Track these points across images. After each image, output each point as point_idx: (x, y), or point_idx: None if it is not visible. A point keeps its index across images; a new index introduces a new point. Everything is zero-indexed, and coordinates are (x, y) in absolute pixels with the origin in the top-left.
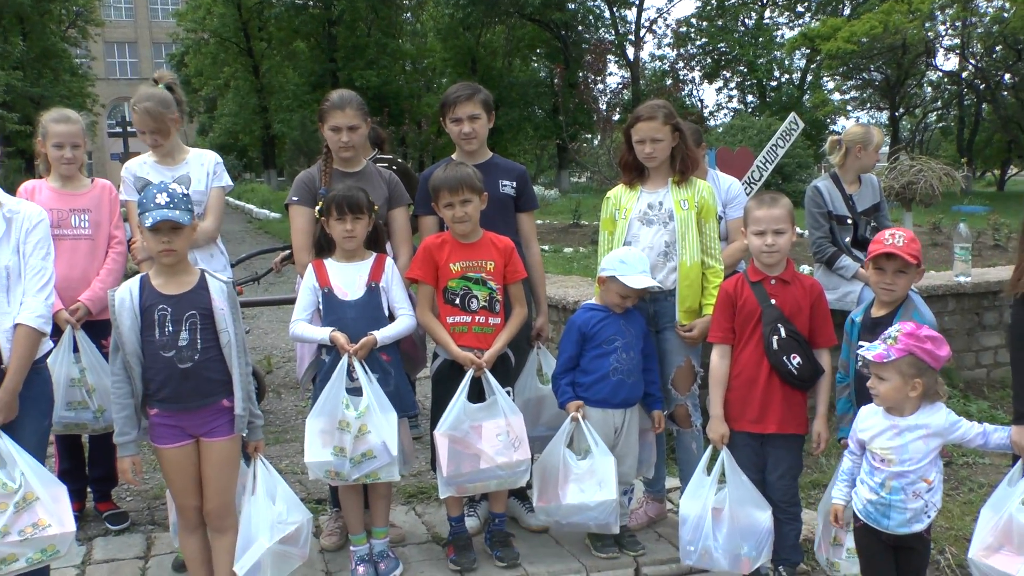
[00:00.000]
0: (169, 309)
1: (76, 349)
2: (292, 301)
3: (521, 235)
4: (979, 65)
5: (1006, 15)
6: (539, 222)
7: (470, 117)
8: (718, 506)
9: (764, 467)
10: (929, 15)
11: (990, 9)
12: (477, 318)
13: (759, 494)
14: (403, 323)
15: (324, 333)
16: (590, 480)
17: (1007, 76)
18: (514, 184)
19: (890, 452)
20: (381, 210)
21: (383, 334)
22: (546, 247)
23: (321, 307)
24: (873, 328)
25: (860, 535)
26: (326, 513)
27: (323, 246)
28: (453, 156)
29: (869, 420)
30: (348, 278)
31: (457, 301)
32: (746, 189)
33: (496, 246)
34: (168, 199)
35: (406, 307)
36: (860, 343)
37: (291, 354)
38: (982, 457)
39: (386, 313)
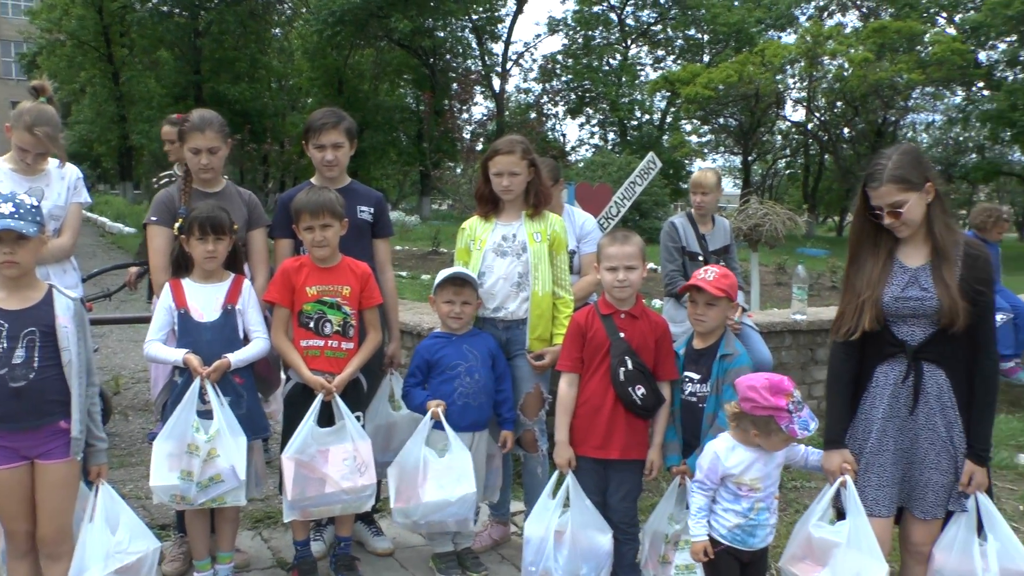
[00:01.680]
0: (6, 325)
1: None
2: (144, 320)
3: (376, 261)
4: (823, 118)
5: (846, 74)
6: (399, 248)
7: (334, 145)
8: (560, 528)
9: (606, 490)
10: (780, 68)
11: (833, 66)
12: (330, 342)
13: (601, 518)
14: (257, 346)
15: (178, 355)
16: (449, 475)
17: (846, 130)
18: (372, 210)
19: (759, 481)
20: (240, 231)
21: (237, 357)
22: (404, 273)
23: (176, 328)
24: (697, 360)
25: (720, 558)
26: (170, 539)
27: (181, 265)
28: (312, 180)
29: (734, 456)
30: (205, 299)
31: (311, 325)
32: (603, 224)
33: (353, 271)
34: (14, 209)
35: (261, 330)
36: (685, 374)
37: (141, 375)
38: (808, 481)
39: (241, 335)
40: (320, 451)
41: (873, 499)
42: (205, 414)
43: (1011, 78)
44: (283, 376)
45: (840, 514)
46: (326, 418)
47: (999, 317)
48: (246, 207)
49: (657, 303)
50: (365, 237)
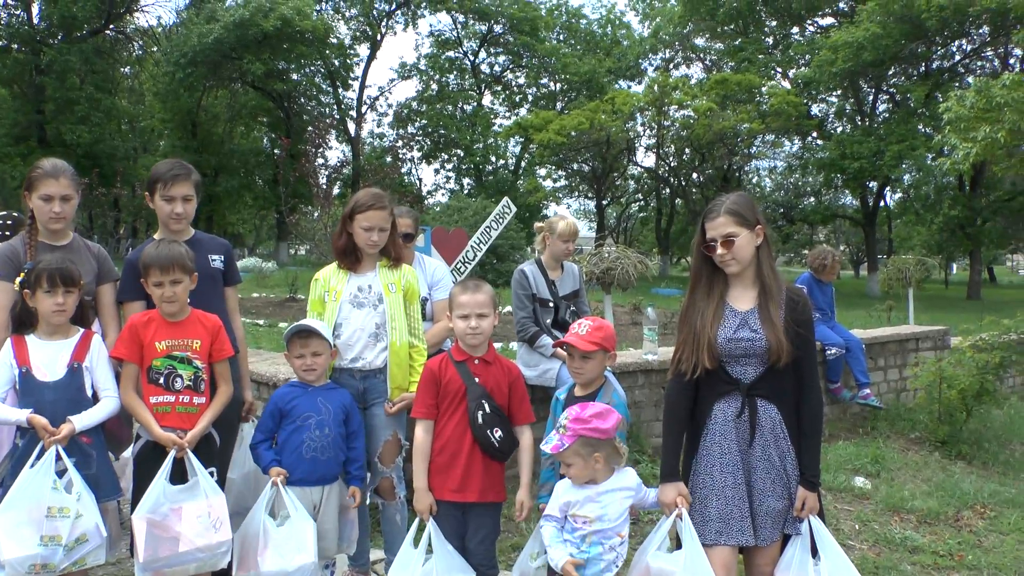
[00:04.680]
0: None
1: None
2: None
3: (227, 309)
4: (672, 164)
5: (692, 122)
6: (256, 296)
7: (184, 197)
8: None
9: (465, 534)
10: (630, 116)
11: (680, 115)
12: (181, 397)
13: (464, 561)
14: (106, 406)
15: (21, 415)
16: (289, 544)
17: (695, 175)
18: (223, 258)
19: (591, 515)
20: (89, 286)
21: (83, 421)
22: (261, 322)
23: (18, 387)
24: None
25: None
26: None
27: (23, 321)
28: (156, 235)
29: (569, 494)
30: (49, 357)
31: (161, 380)
32: (460, 268)
33: (204, 324)
34: None
35: (111, 388)
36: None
37: None
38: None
39: (90, 394)
40: (173, 509)
41: (717, 530)
42: (60, 473)
43: (839, 129)
44: (134, 433)
45: (679, 544)
46: (179, 475)
47: (832, 351)
48: (95, 260)
49: (515, 345)
50: (217, 286)
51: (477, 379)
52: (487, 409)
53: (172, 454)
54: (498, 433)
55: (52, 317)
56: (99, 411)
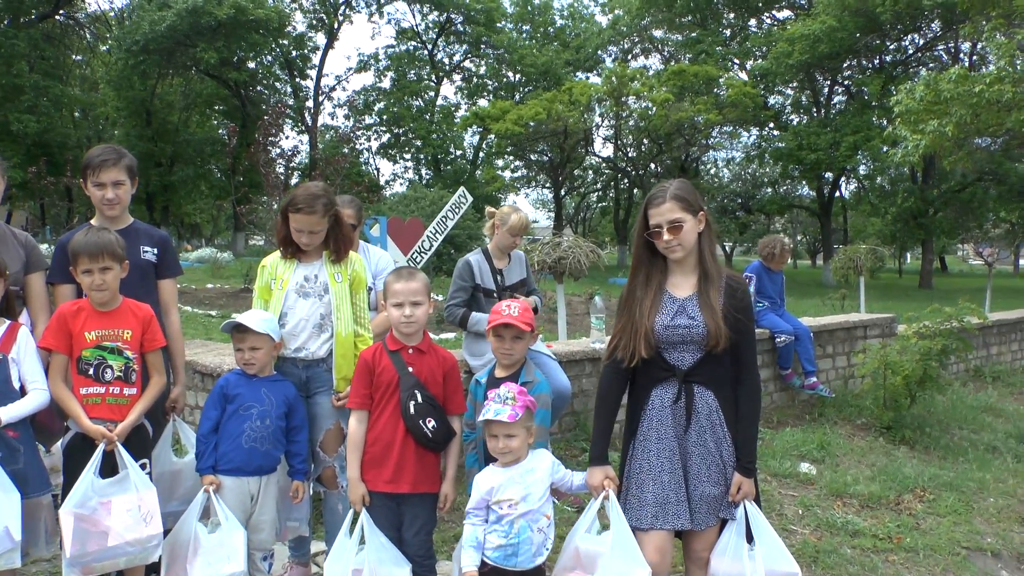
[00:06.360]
0: None
1: None
2: None
3: (161, 302)
4: (630, 154)
5: (651, 113)
6: (210, 286)
7: (114, 183)
8: (358, 567)
9: (400, 525)
10: (588, 107)
11: (638, 106)
12: (112, 388)
13: (398, 553)
14: (34, 399)
15: None
16: (218, 553)
17: (653, 165)
18: (155, 250)
19: (515, 497)
20: (16, 275)
21: (9, 413)
22: (214, 312)
23: None
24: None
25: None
26: None
27: None
28: (92, 221)
29: (491, 480)
30: None
31: (91, 371)
32: (416, 258)
33: (135, 314)
34: None
35: (40, 380)
36: (488, 400)
37: None
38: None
39: (17, 386)
40: (102, 503)
41: (653, 514)
42: None
43: (796, 120)
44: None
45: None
46: (110, 468)
47: (782, 338)
48: (23, 249)
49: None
50: (149, 278)
51: (411, 368)
52: (419, 399)
53: (101, 447)
54: (431, 423)
55: None
56: (26, 404)
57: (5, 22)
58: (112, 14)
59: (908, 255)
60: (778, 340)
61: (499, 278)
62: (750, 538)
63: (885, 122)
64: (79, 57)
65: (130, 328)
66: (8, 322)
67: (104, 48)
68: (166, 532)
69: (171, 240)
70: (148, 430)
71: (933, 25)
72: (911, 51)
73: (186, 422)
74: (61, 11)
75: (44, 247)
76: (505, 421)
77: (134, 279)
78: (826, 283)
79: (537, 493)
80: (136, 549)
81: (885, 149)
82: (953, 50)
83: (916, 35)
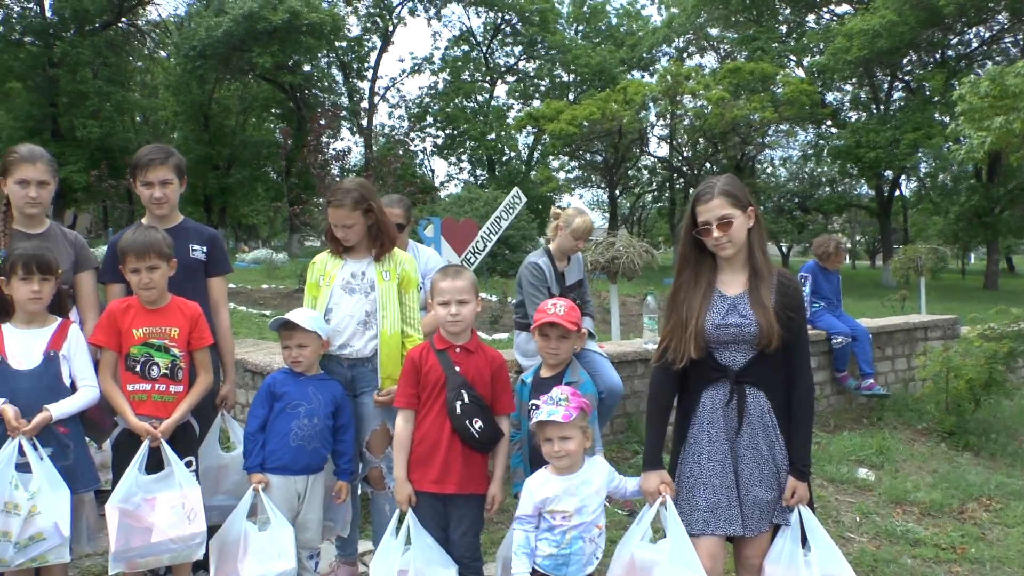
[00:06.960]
0: None
1: None
2: None
3: (210, 300)
4: (686, 154)
5: (706, 112)
6: (265, 287)
7: (162, 182)
8: (404, 568)
9: (447, 526)
10: (642, 105)
11: (693, 105)
12: (157, 386)
13: (444, 553)
14: (84, 396)
15: None
16: (269, 551)
17: (708, 164)
18: (205, 248)
19: (570, 509)
20: (66, 274)
21: (59, 409)
22: (268, 312)
23: None
24: (545, 388)
25: None
26: None
27: None
28: (143, 220)
29: (545, 488)
30: (24, 345)
31: (137, 368)
32: (470, 258)
33: (183, 312)
34: None
35: (90, 377)
36: (532, 401)
37: None
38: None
39: (67, 383)
40: (146, 499)
41: (703, 519)
42: (23, 467)
43: (854, 118)
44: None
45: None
46: (156, 464)
47: (838, 340)
48: (73, 248)
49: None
50: (198, 276)
51: (458, 368)
52: (466, 399)
53: (146, 443)
54: (478, 424)
55: (28, 305)
56: (76, 400)
57: (71, 31)
58: (172, 20)
59: (972, 255)
60: (835, 341)
61: (561, 280)
62: (804, 544)
63: (947, 119)
64: (140, 63)
65: (177, 326)
66: (59, 320)
67: (163, 54)
68: (211, 526)
69: (221, 238)
70: (195, 428)
71: (999, 17)
72: (975, 44)
73: (236, 420)
74: (123, 19)
75: (105, 248)
76: (559, 421)
77: (183, 277)
78: (885, 284)
79: (592, 506)
80: (179, 546)
81: (947, 146)
82: (1022, 42)
83: (981, 27)
